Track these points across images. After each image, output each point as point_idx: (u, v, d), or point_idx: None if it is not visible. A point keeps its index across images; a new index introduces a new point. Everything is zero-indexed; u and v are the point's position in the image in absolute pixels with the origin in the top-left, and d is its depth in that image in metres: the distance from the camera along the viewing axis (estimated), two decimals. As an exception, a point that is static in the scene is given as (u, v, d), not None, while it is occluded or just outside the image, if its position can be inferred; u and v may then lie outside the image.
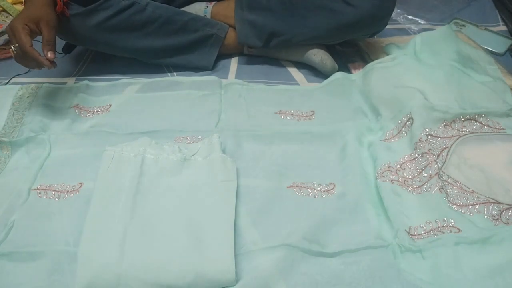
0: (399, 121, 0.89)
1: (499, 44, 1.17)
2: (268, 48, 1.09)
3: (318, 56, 1.07)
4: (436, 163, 0.80)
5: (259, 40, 1.07)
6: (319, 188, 0.81)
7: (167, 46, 1.08)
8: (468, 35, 1.15)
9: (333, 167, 0.85)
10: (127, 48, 1.07)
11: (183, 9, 1.14)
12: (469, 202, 0.75)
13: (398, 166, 0.83)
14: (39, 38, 0.90)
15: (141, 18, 1.04)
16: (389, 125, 0.90)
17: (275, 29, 1.05)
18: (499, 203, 0.74)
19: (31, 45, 0.86)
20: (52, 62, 0.88)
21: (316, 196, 0.79)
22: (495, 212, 0.73)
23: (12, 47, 0.87)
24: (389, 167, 0.82)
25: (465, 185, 0.78)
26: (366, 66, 1.04)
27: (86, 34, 1.03)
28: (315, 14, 1.02)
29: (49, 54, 0.87)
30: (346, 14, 1.00)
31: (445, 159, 0.82)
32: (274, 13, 1.05)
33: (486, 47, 1.14)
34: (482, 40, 1.16)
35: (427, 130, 0.85)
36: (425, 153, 0.82)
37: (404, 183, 0.80)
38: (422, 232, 0.72)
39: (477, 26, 1.23)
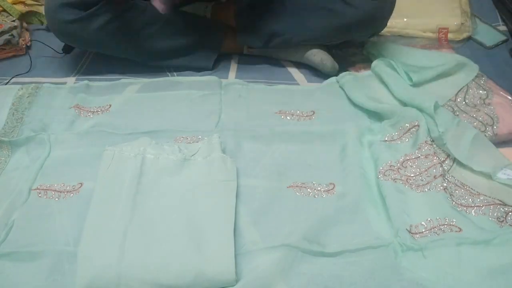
0: (400, 127, 0.88)
1: (491, 38, 1.19)
2: (268, 48, 1.09)
3: (318, 56, 1.06)
4: (441, 166, 0.80)
5: (259, 41, 1.07)
6: (319, 188, 0.81)
7: (167, 48, 1.08)
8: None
9: (333, 167, 0.85)
10: (128, 50, 1.07)
11: (184, 9, 1.14)
12: (475, 203, 0.75)
13: (400, 164, 0.82)
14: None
15: (142, 20, 1.04)
16: (390, 130, 0.89)
17: (275, 29, 1.05)
18: (505, 205, 0.74)
19: None
20: None
21: (316, 196, 0.79)
22: (501, 214, 0.73)
23: None
24: (390, 166, 0.82)
25: (472, 189, 0.77)
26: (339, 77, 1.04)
27: (88, 38, 1.03)
28: (314, 15, 1.02)
29: None
30: (345, 14, 1.00)
31: (453, 161, 0.82)
32: (274, 13, 1.05)
33: (476, 37, 1.18)
34: (476, 31, 1.20)
35: (429, 138, 0.85)
36: (430, 155, 0.82)
37: (407, 181, 0.79)
38: (423, 230, 0.72)
39: (480, 18, 1.24)
